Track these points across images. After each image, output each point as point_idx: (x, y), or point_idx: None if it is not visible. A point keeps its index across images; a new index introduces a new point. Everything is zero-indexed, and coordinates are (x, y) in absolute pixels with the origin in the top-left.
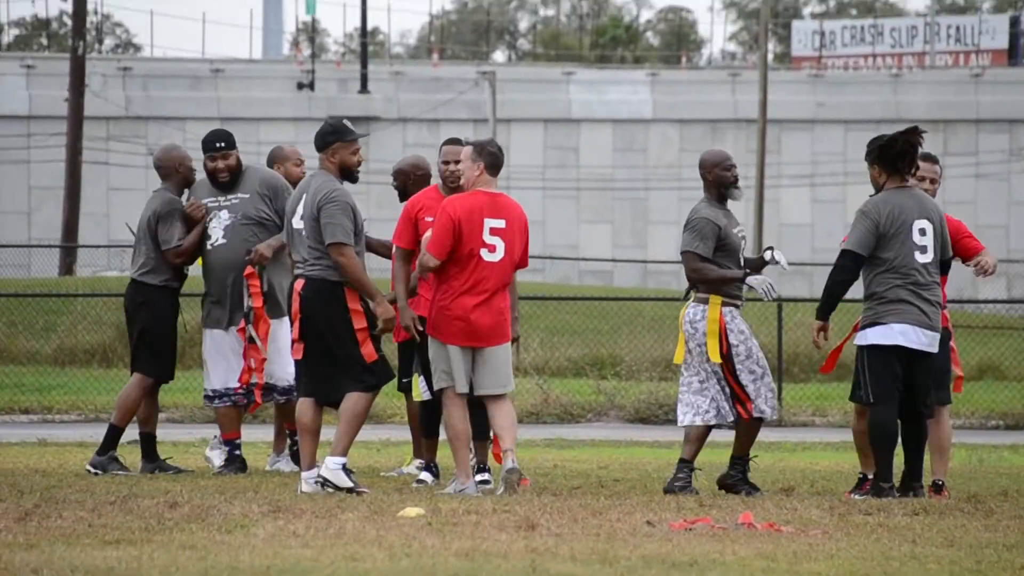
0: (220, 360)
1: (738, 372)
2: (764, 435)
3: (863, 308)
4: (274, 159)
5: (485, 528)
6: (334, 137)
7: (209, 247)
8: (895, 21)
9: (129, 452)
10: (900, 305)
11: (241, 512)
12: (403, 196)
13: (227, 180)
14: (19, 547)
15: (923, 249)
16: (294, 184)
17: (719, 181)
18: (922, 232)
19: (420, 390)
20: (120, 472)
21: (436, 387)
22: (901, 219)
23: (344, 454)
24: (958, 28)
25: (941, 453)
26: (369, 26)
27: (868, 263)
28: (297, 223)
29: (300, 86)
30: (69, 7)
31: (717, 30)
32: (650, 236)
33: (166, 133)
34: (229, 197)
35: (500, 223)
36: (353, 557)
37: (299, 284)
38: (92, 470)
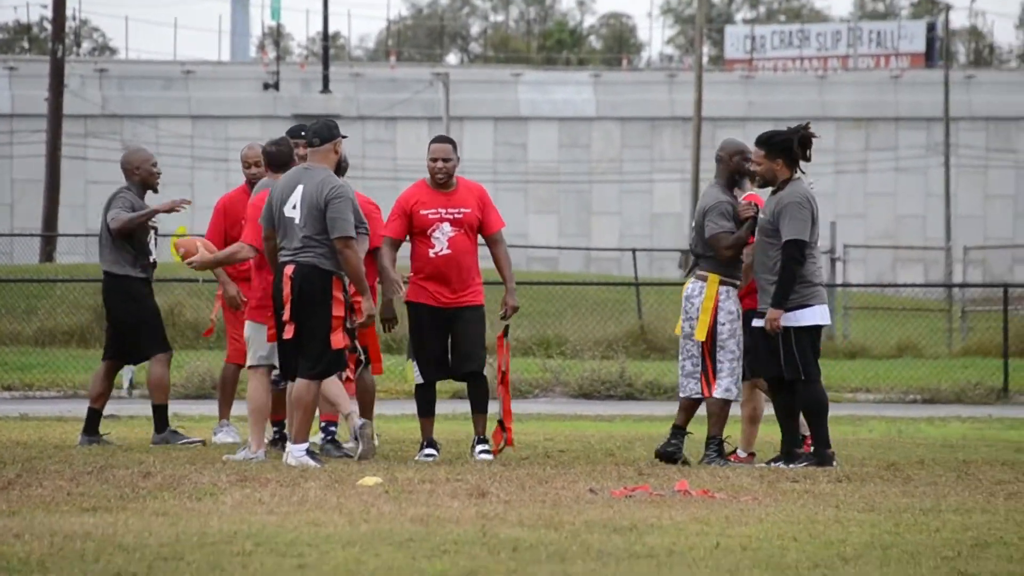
0: None
1: (717, 350)
2: (699, 409)
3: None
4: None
5: (439, 496)
6: (337, 132)
7: None
8: (821, 26)
9: (136, 426)
10: (817, 288)
11: (210, 481)
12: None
13: None
14: (2, 514)
15: (820, 235)
16: (149, 187)
17: (738, 168)
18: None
19: (413, 374)
20: (185, 441)
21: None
22: (815, 207)
23: (306, 440)
24: (879, 33)
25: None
26: (331, 30)
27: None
28: (289, 212)
29: (266, 86)
30: (49, 13)
31: (655, 34)
32: (593, 225)
33: (140, 130)
34: None
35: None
36: (315, 523)
37: (289, 269)
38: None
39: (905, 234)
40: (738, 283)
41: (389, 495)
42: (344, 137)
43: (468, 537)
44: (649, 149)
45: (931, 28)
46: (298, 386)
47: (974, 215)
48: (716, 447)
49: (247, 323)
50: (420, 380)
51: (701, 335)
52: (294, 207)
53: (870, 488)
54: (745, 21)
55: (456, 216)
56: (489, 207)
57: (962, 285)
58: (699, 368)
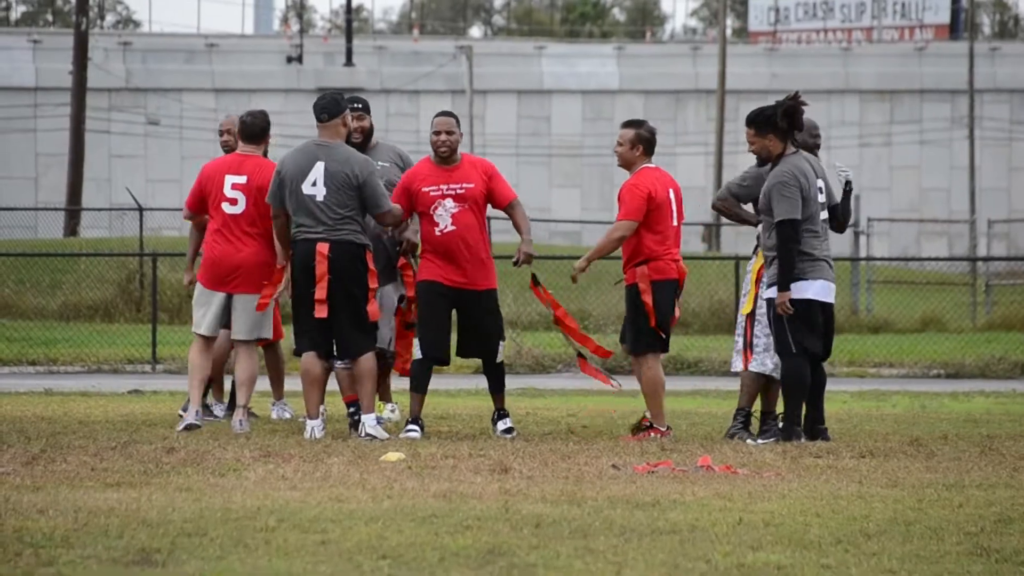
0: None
1: (756, 323)
2: (719, 384)
3: (775, 262)
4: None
5: (461, 471)
6: (345, 105)
7: None
8: None
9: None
10: (818, 263)
11: (234, 457)
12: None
13: (359, 142)
14: (26, 489)
15: (823, 206)
16: (226, 151)
17: (804, 144)
18: (820, 191)
19: (415, 351)
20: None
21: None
22: (810, 181)
23: (373, 410)
24: (903, 4)
25: (646, 397)
26: (354, 3)
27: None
28: (309, 189)
29: (289, 59)
30: None
31: (679, 6)
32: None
33: (164, 104)
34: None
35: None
36: (338, 499)
37: (324, 247)
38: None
39: (929, 207)
40: None
41: (412, 471)
42: (358, 108)
43: (491, 513)
44: (672, 122)
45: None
46: (360, 362)
47: (999, 188)
48: (743, 420)
49: (199, 288)
50: (419, 356)
51: (746, 309)
52: (314, 184)
53: (893, 463)
54: None
55: (458, 192)
56: (497, 179)
57: (986, 259)
58: (742, 341)
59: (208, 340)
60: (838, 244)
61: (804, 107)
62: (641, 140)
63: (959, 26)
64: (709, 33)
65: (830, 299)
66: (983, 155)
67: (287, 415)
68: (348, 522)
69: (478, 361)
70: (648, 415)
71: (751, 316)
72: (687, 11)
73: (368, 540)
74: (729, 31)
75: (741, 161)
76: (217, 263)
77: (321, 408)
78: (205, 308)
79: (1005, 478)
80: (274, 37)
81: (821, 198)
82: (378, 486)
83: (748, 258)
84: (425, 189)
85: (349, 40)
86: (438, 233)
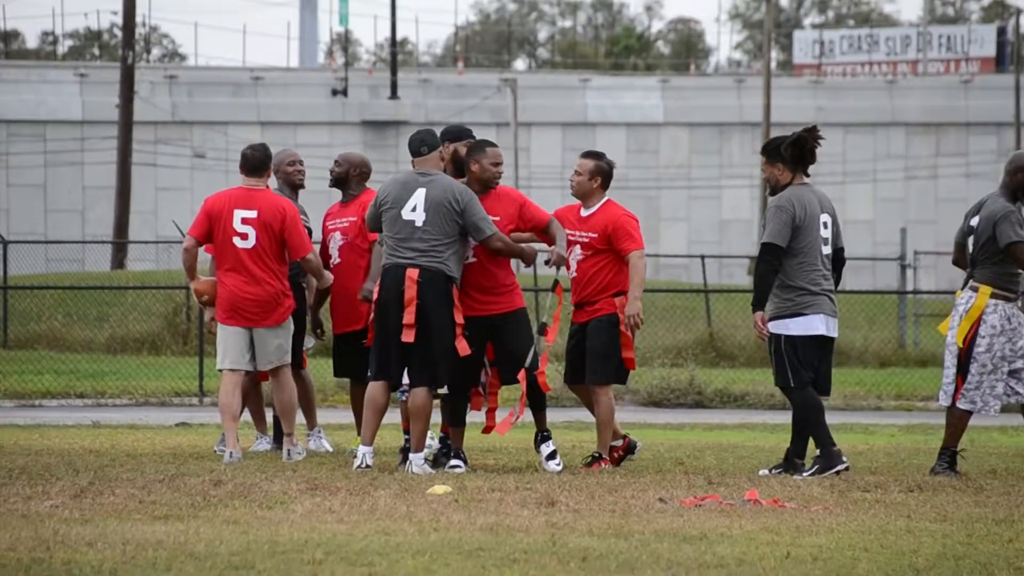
0: None
1: (971, 361)
2: (766, 417)
3: (780, 297)
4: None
5: (508, 504)
6: (439, 140)
7: None
8: (890, 31)
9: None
10: (817, 297)
11: (281, 490)
12: (338, 184)
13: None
14: (75, 522)
15: (825, 241)
16: (291, 186)
17: (1021, 184)
18: (824, 225)
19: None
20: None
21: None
22: (811, 212)
23: (424, 447)
24: (949, 37)
25: (602, 428)
26: (398, 36)
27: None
28: (408, 215)
29: (334, 92)
30: (119, 19)
31: (723, 39)
32: (662, 232)
33: (210, 137)
34: None
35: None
36: (385, 532)
37: (414, 272)
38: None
39: None
40: (1012, 295)
41: (458, 504)
42: (468, 140)
43: (538, 546)
44: (717, 155)
45: (1001, 32)
46: (419, 395)
47: None
48: (948, 459)
49: (220, 327)
50: (445, 390)
51: (959, 339)
52: (413, 209)
53: (942, 498)
54: (813, 26)
55: None
56: (528, 205)
57: None
58: (952, 376)
59: (235, 375)
60: (885, 277)
61: (820, 140)
62: (600, 172)
63: (1005, 59)
64: (753, 66)
65: (831, 333)
66: None
67: (325, 445)
68: (395, 555)
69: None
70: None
71: (965, 351)
72: (731, 44)
73: (415, 573)
74: (774, 64)
75: None
76: (233, 298)
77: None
78: (225, 344)
79: None
80: (319, 70)
81: (825, 233)
82: (425, 519)
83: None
84: None
85: (394, 73)
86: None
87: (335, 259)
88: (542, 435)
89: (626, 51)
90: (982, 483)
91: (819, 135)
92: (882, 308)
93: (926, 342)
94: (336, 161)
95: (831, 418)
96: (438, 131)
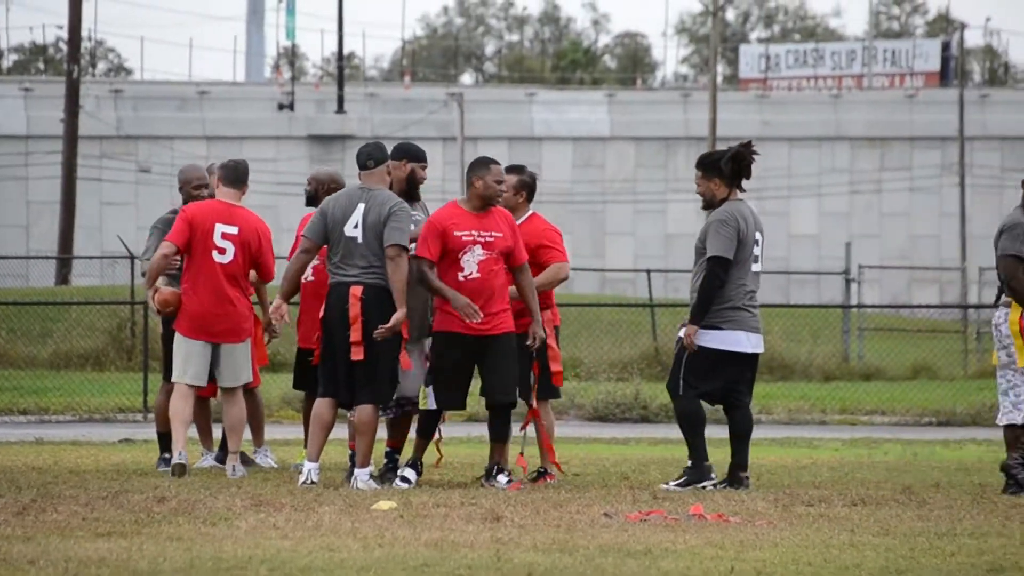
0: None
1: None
2: (710, 431)
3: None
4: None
5: (453, 520)
6: (387, 154)
7: None
8: (835, 45)
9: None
10: (737, 313)
11: (225, 506)
12: (311, 202)
13: (406, 191)
14: (17, 539)
15: (755, 259)
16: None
17: None
18: (756, 243)
19: (427, 400)
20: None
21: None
22: (748, 228)
23: (370, 464)
24: (893, 52)
25: (549, 439)
26: (346, 50)
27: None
28: (351, 231)
29: (281, 107)
30: (65, 34)
31: (670, 54)
32: (607, 246)
33: (155, 151)
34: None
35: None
36: (329, 548)
37: (357, 290)
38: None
39: (920, 254)
40: None
41: (403, 519)
42: (423, 163)
43: (482, 562)
44: (663, 169)
45: (946, 47)
46: (365, 411)
47: (989, 235)
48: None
49: (183, 340)
50: (433, 406)
51: (1021, 361)
52: (356, 226)
53: (885, 512)
54: (759, 40)
55: (488, 240)
56: (519, 237)
57: (978, 306)
58: (1021, 397)
59: (191, 388)
60: (830, 291)
61: (755, 156)
62: (524, 186)
63: (949, 73)
64: (700, 80)
65: (756, 349)
66: (973, 202)
67: (270, 462)
68: (339, 571)
69: (470, 410)
70: (544, 460)
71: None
72: (678, 58)
73: None
74: (720, 78)
75: None
76: (204, 313)
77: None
78: (188, 358)
79: (997, 527)
80: (265, 84)
81: (756, 251)
82: (369, 535)
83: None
84: (458, 233)
85: (341, 87)
86: (461, 279)
87: (308, 276)
88: (499, 468)
89: (573, 65)
90: (924, 497)
91: (755, 150)
92: (826, 322)
93: (870, 356)
94: (308, 179)
95: (776, 432)
96: (389, 146)
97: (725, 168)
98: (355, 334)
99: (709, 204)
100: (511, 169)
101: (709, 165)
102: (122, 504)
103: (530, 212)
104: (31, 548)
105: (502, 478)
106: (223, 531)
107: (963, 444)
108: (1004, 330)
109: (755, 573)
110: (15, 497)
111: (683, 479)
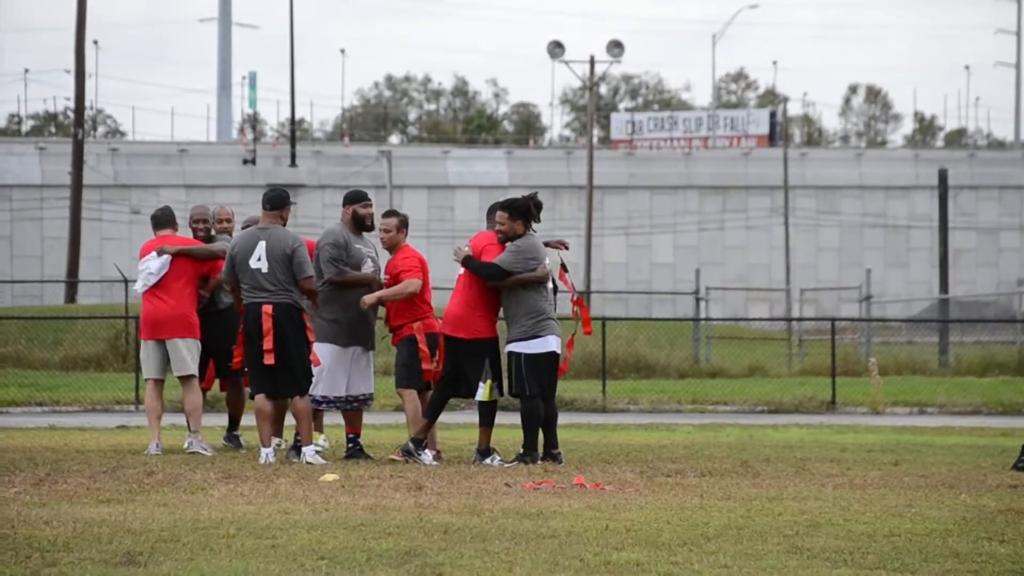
0: (340, 372)
1: None
2: (590, 418)
3: (521, 324)
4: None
5: (385, 489)
6: (287, 201)
7: None
8: (687, 113)
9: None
10: (548, 321)
11: (201, 478)
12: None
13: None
14: (34, 505)
15: (547, 276)
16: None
17: None
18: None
19: (493, 392)
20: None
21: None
22: (541, 255)
23: (312, 443)
24: (732, 119)
25: (410, 424)
26: (297, 117)
27: (520, 287)
28: (255, 264)
29: (245, 161)
30: (72, 104)
31: (556, 119)
32: None
33: (144, 198)
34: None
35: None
36: (285, 511)
37: (268, 308)
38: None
39: (754, 278)
40: None
41: (345, 489)
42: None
43: (408, 522)
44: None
45: (773, 115)
46: (300, 402)
47: (808, 264)
48: None
49: (145, 343)
50: (480, 398)
51: None
52: (259, 259)
53: (727, 481)
54: (627, 109)
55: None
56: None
57: (799, 319)
58: None
59: (158, 383)
60: (683, 307)
61: (542, 203)
62: (404, 224)
63: (776, 136)
64: (580, 140)
65: (556, 349)
66: (796, 238)
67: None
68: (293, 530)
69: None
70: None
71: None
72: (562, 123)
73: (309, 544)
74: (596, 139)
75: (606, 242)
76: (150, 317)
77: (277, 441)
78: (147, 356)
79: (815, 492)
80: (233, 144)
81: (548, 267)
82: (318, 501)
83: (617, 319)
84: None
85: (293, 146)
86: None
87: None
88: (486, 449)
89: (479, 128)
90: (758, 469)
91: (540, 200)
92: (681, 332)
93: (715, 358)
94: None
95: (641, 419)
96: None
97: (529, 212)
98: (267, 343)
99: (509, 238)
100: (390, 214)
101: (516, 210)
102: (119, 477)
103: (405, 243)
104: (46, 511)
105: (489, 461)
106: (200, 498)
107: (788, 427)
108: None
109: (625, 530)
110: (32, 471)
111: (515, 462)
